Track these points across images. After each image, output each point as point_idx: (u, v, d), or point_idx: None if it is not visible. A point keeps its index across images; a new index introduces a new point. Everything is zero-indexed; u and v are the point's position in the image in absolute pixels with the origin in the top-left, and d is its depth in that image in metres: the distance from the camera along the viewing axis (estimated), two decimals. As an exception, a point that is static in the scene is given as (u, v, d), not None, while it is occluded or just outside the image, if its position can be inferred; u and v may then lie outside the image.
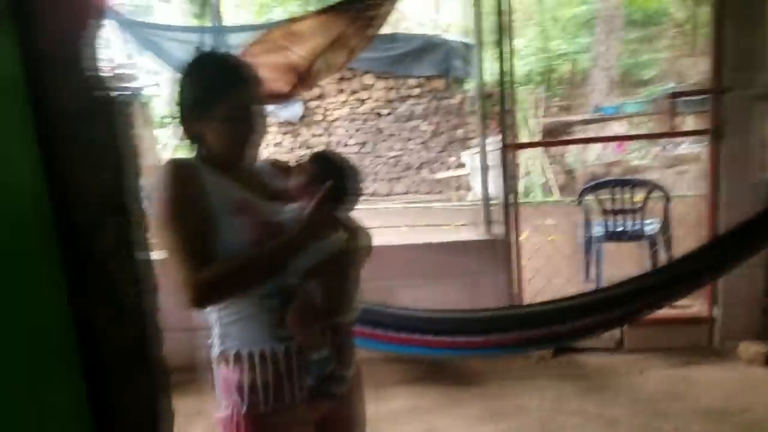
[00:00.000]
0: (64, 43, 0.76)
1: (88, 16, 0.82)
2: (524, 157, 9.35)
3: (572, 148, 8.90)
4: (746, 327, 3.35)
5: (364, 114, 9.70)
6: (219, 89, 1.38)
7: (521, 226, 3.90)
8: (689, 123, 6.10)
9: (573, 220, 4.28)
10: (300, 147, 9.95)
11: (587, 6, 10.86)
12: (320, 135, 9.87)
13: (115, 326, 0.82)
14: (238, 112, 1.39)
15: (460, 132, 9.61)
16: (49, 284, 0.73)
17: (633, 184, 4.20)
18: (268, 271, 1.36)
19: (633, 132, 8.52)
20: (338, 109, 9.73)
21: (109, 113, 0.85)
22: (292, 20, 3.42)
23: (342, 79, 9.55)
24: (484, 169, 3.69)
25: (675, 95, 4.16)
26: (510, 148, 3.52)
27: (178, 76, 1.45)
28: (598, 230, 4.21)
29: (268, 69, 3.30)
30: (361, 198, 1.54)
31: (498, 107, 3.54)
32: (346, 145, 9.85)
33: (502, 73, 3.42)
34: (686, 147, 7.75)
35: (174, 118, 1.45)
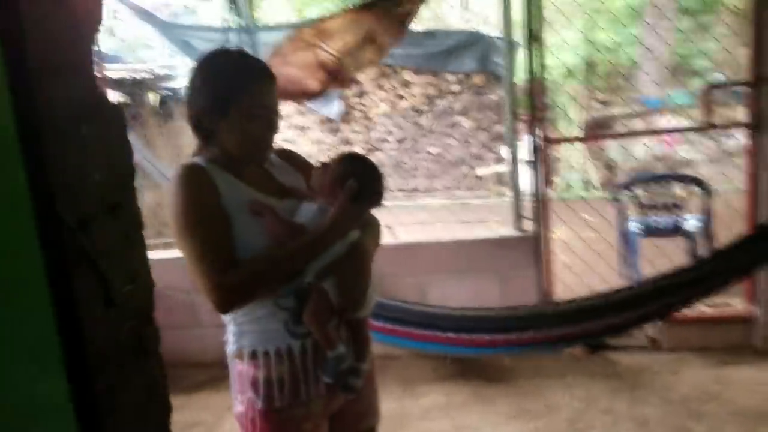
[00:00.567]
0: (55, 47, 0.80)
1: (80, 22, 0.86)
2: (566, 152, 9.20)
3: (615, 142, 8.69)
4: (788, 327, 3.23)
5: (404, 110, 9.69)
6: (237, 87, 1.38)
7: (559, 222, 3.85)
8: (737, 115, 5.88)
9: (613, 217, 4.18)
10: (340, 144, 10.02)
11: (638, -6, 10.53)
12: (360, 132, 9.92)
13: (104, 323, 0.85)
14: (255, 111, 1.40)
15: (500, 128, 9.50)
16: (31, 283, 0.76)
17: (673, 179, 4.09)
18: (291, 272, 1.37)
19: (679, 125, 8.26)
20: (378, 106, 9.75)
21: (100, 115, 0.89)
22: (323, 18, 3.45)
23: (382, 75, 9.57)
24: (515, 164, 3.64)
25: (714, 87, 4.01)
26: (543, 144, 3.45)
27: (191, 73, 1.45)
28: (635, 226, 4.11)
29: (299, 67, 3.35)
30: (384, 200, 1.55)
31: (535, 102, 3.46)
32: (386, 142, 9.87)
33: (531, 67, 3.36)
34: (736, 140, 7.46)
35: (187, 116, 1.46)
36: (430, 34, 9.38)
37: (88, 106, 0.86)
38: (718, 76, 8.34)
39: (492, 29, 10.07)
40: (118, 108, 0.93)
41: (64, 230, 0.77)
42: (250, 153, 1.45)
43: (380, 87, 9.66)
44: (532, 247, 3.50)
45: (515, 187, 3.64)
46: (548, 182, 3.49)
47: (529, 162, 3.48)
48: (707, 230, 4.00)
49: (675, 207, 4.00)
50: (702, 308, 3.35)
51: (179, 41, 3.48)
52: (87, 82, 0.87)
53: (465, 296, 3.52)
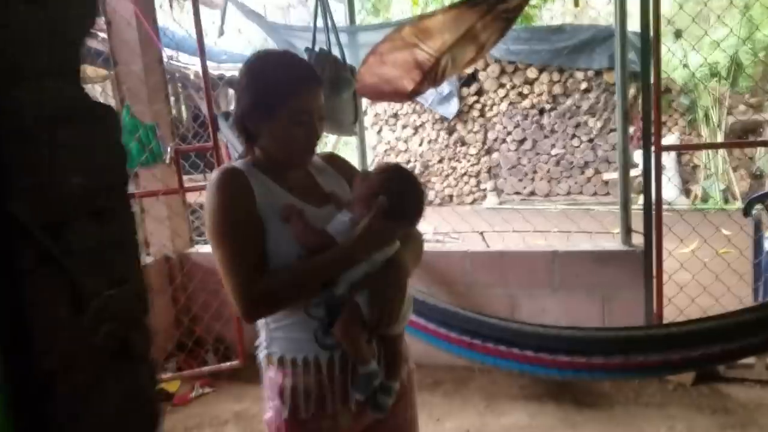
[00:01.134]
0: (27, 51, 0.80)
1: (62, 25, 0.85)
2: (704, 159, 8.43)
3: (762, 150, 7.81)
4: None
5: (525, 109, 9.35)
6: (281, 92, 1.36)
7: (691, 235, 3.51)
8: None
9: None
10: (455, 144, 9.87)
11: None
12: (477, 131, 9.71)
13: (70, 327, 0.84)
14: (301, 116, 1.37)
15: (632, 129, 8.87)
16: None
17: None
18: (318, 284, 1.34)
19: None
20: (497, 104, 9.48)
21: (84, 119, 0.88)
22: (423, 16, 3.36)
23: (503, 72, 9.29)
24: (626, 172, 3.34)
25: None
26: (655, 151, 3.13)
27: (240, 73, 1.45)
28: (769, 246, 3.64)
29: (393, 66, 3.28)
30: (421, 219, 1.46)
31: (650, 104, 3.16)
32: (504, 142, 9.59)
33: (646, 65, 3.06)
34: None
35: (234, 117, 1.47)
36: (558, 29, 8.98)
37: (68, 110, 0.85)
38: None
39: (631, 24, 9.43)
40: (108, 112, 0.92)
41: (20, 232, 0.77)
42: (292, 157, 1.43)
43: (501, 85, 9.38)
44: (641, 264, 3.20)
45: (624, 197, 3.34)
46: (686, 192, 3.15)
47: (667, 168, 3.18)
48: None
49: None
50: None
51: (283, 41, 3.56)
52: (68, 86, 0.86)
53: (560, 314, 3.29)
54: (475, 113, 9.62)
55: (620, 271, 3.25)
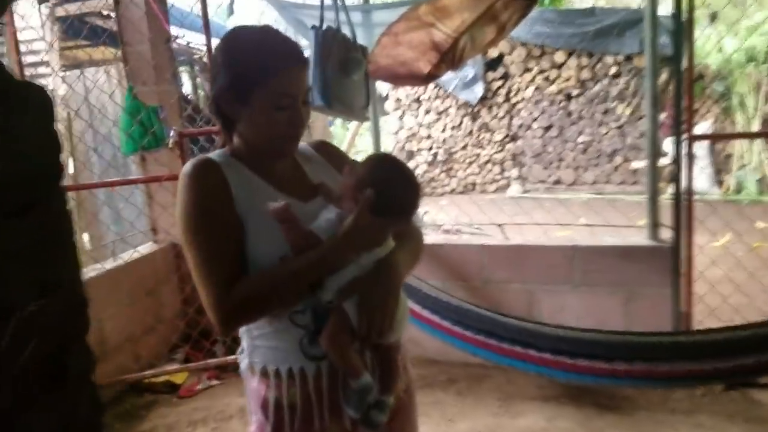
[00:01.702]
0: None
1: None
2: (739, 148, 8.09)
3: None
4: None
5: (552, 95, 9.07)
6: (263, 71, 1.21)
7: (724, 228, 3.30)
8: None
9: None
10: (479, 130, 9.63)
11: None
12: (502, 117, 9.45)
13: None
14: (282, 99, 1.22)
15: (663, 116, 8.56)
16: None
17: None
18: (301, 289, 1.21)
19: None
20: (523, 89, 9.21)
21: (4, 105, 0.75)
22: (441, -5, 3.17)
23: (529, 56, 9.01)
24: (654, 163, 3.13)
25: None
26: (688, 140, 2.92)
27: (215, 51, 1.30)
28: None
29: (409, 47, 3.11)
30: (415, 215, 1.31)
31: (681, 91, 2.94)
32: (529, 129, 9.33)
33: (678, 49, 2.84)
34: None
35: (208, 101, 1.32)
36: (588, 12, 8.66)
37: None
38: None
39: (665, 7, 9.08)
40: (37, 97, 0.78)
41: None
42: (273, 146, 1.27)
43: (527, 69, 9.11)
44: (669, 261, 3.00)
45: (652, 189, 3.13)
46: (718, 182, 2.94)
47: (698, 157, 2.96)
48: None
49: None
50: None
51: (294, 20, 3.40)
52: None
53: (581, 312, 3.11)
54: (500, 98, 9.37)
55: (646, 268, 3.06)
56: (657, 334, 2.64)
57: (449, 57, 3.12)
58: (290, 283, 1.19)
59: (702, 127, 7.97)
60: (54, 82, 4.29)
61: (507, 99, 9.36)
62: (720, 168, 8.31)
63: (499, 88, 9.34)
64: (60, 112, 4.30)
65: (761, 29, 7.07)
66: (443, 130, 9.84)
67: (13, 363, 0.75)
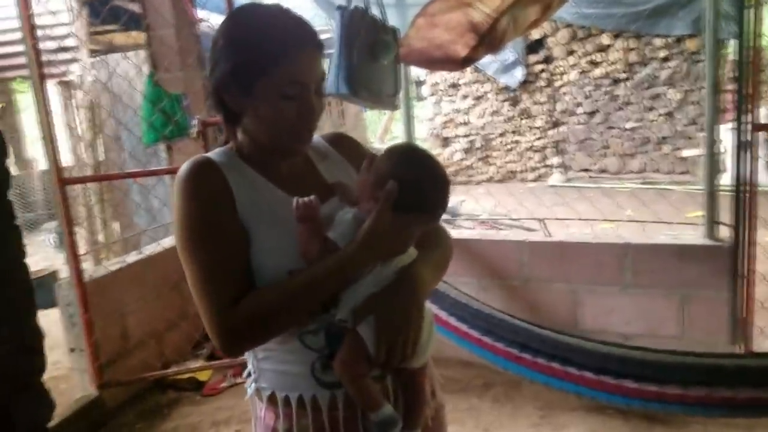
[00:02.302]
0: None
1: None
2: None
3: None
4: None
5: (597, 79, 8.68)
6: (266, 56, 1.04)
7: None
8: None
9: None
10: (520, 116, 9.31)
11: None
12: (544, 102, 9.11)
13: None
14: (291, 88, 1.04)
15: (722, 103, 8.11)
16: None
17: None
18: (314, 305, 1.04)
19: None
20: (567, 73, 8.84)
21: None
22: (481, -29, 2.94)
23: (574, 38, 8.63)
24: (711, 153, 2.85)
25: None
26: (750, 129, 2.64)
27: (215, 34, 1.12)
28: None
29: (445, 29, 2.90)
30: (443, 213, 1.12)
31: (747, 75, 2.66)
32: (573, 114, 8.97)
33: (742, 30, 2.56)
34: None
35: (209, 92, 1.15)
36: (640, -9, 8.23)
37: None
38: None
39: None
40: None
41: None
42: (282, 142, 1.10)
43: (570, 52, 8.73)
44: (727, 261, 2.74)
45: (710, 183, 2.86)
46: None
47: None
48: None
49: None
50: None
51: (324, 1, 3.23)
52: None
53: (630, 315, 2.88)
54: (542, 83, 9.03)
55: (703, 269, 2.80)
56: (718, 355, 2.37)
57: (488, 39, 2.89)
58: (303, 298, 1.02)
59: (763, 114, 7.50)
60: (82, 69, 4.21)
61: (549, 83, 9.02)
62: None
63: (541, 71, 9.00)
64: (85, 99, 4.23)
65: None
66: (481, 116, 9.56)
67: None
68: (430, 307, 1.15)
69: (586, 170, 9.05)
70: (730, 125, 2.89)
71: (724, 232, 2.82)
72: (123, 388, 2.97)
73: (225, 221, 1.04)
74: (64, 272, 2.93)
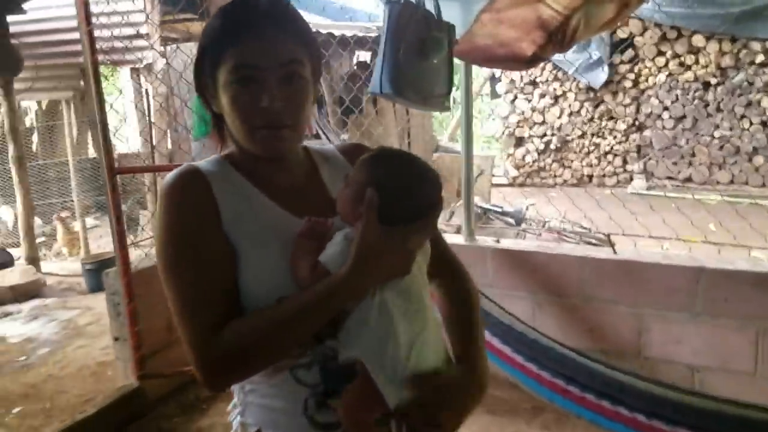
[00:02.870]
0: None
1: None
2: None
3: None
4: None
5: (687, 82, 8.14)
6: (219, 39, 0.94)
7: None
8: None
9: None
10: (601, 117, 8.86)
11: None
12: (628, 104, 8.64)
13: None
14: (242, 71, 0.93)
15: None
16: None
17: None
18: (303, 335, 0.91)
19: None
20: (654, 75, 8.33)
21: None
22: (554, -36, 2.73)
23: (663, 39, 8.12)
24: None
25: None
26: None
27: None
28: None
29: (511, 26, 2.70)
30: (439, 214, 0.98)
31: None
32: (659, 118, 8.46)
33: None
34: None
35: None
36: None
37: None
38: None
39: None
40: None
41: None
42: (254, 144, 0.97)
43: (660, 53, 8.21)
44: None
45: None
46: None
47: None
48: None
49: None
50: None
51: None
52: None
53: (700, 346, 2.60)
54: (628, 84, 8.58)
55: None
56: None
57: (558, 37, 2.66)
58: (291, 328, 0.89)
59: None
60: (153, 57, 4.27)
61: (635, 85, 8.56)
62: None
63: (627, 72, 8.54)
64: (158, 88, 4.28)
65: None
66: (559, 116, 9.18)
67: None
68: None
69: (670, 178, 8.52)
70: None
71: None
72: (164, 380, 2.96)
73: (208, 238, 0.93)
74: (133, 255, 2.92)
